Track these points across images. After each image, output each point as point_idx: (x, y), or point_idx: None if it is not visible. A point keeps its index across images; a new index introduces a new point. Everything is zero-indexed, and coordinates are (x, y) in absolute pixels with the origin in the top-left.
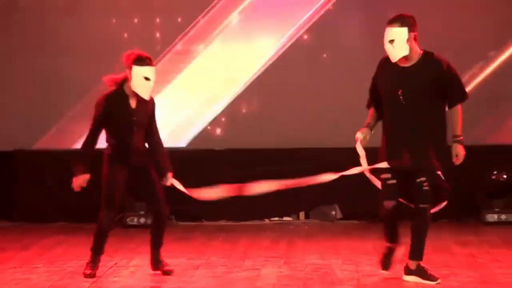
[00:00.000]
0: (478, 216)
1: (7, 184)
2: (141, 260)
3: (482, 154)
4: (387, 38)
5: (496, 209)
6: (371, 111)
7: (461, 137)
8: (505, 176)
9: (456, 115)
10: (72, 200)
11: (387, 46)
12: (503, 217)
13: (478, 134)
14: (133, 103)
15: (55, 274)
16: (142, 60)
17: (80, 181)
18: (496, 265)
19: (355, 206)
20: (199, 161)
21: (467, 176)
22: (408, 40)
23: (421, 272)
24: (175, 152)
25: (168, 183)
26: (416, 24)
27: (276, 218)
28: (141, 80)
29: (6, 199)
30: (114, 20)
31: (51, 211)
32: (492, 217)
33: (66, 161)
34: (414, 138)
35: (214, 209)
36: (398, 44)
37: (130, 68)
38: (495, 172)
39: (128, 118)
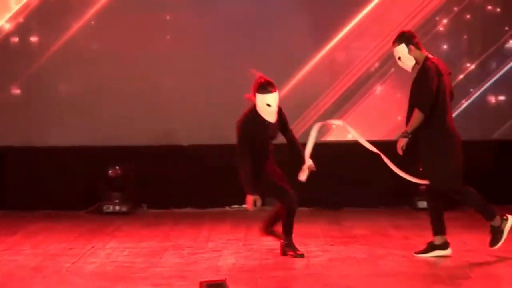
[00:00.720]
0: (410, 203)
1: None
2: (116, 243)
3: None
4: (395, 57)
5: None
6: None
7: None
8: None
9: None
10: (54, 191)
11: (399, 63)
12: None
13: None
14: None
15: (39, 256)
16: (264, 88)
17: (251, 200)
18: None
19: (305, 195)
20: None
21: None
22: (409, 52)
23: (444, 245)
24: None
25: (310, 168)
26: (413, 35)
27: (236, 206)
28: (263, 107)
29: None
30: None
31: (36, 201)
32: (422, 204)
33: (49, 156)
34: None
35: (181, 197)
36: (404, 59)
37: (255, 95)
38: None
39: (265, 134)
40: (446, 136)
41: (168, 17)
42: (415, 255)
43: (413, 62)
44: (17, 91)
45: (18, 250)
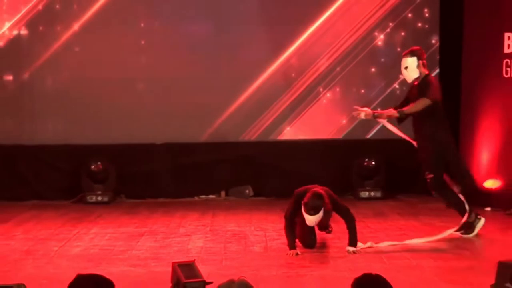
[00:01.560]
0: (354, 193)
1: None
2: (99, 229)
3: (357, 146)
4: (402, 66)
5: (368, 188)
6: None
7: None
8: (373, 163)
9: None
10: (42, 184)
11: (403, 71)
12: (372, 193)
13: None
14: None
15: (30, 241)
16: (306, 208)
17: (291, 252)
18: (367, 230)
19: (263, 186)
20: None
21: (345, 162)
22: (417, 66)
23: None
24: None
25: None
26: (424, 53)
27: (203, 196)
28: (305, 218)
29: None
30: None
31: (26, 193)
32: (364, 194)
33: (38, 153)
34: None
35: (156, 188)
36: (410, 70)
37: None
38: (366, 160)
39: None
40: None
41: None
42: (464, 236)
43: (417, 75)
44: (6, 96)
45: (11, 235)
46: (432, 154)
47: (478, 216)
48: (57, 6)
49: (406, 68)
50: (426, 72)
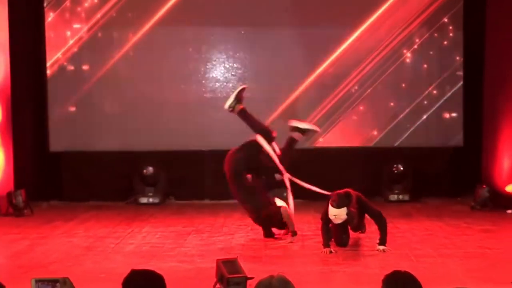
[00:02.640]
0: (383, 196)
1: (57, 175)
2: (150, 228)
3: (387, 152)
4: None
5: (396, 191)
6: None
7: None
8: (401, 168)
9: None
10: (100, 186)
11: (331, 217)
12: (401, 197)
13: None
14: None
15: (90, 238)
16: (332, 201)
17: (325, 250)
18: (396, 230)
19: (299, 189)
20: None
21: (375, 168)
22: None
23: None
24: None
25: None
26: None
27: None
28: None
29: (56, 185)
30: None
31: (86, 194)
32: (393, 197)
33: (97, 159)
34: None
35: (202, 191)
36: (340, 216)
37: None
38: (395, 165)
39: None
40: None
41: (190, 49)
42: None
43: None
44: (72, 108)
45: (73, 233)
46: None
47: None
48: (114, 15)
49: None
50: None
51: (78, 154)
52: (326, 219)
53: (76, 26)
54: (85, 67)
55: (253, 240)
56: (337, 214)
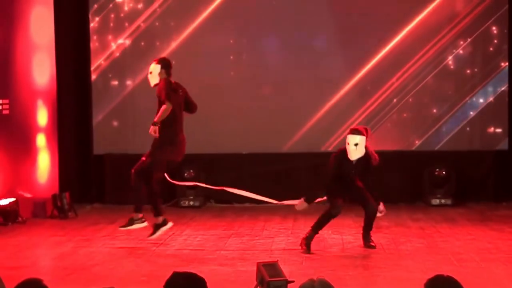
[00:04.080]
0: (425, 200)
1: (101, 178)
2: (191, 231)
3: (428, 156)
4: (352, 142)
5: (438, 195)
6: None
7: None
8: (444, 172)
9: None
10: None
11: (351, 148)
12: (443, 201)
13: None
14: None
15: (132, 240)
16: (353, 130)
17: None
18: (438, 235)
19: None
20: None
21: (417, 171)
22: (159, 73)
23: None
24: None
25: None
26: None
27: (286, 202)
28: (350, 147)
29: (99, 188)
30: None
31: (128, 197)
32: (435, 201)
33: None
34: None
35: (241, 195)
36: (360, 147)
37: None
38: (437, 169)
39: (349, 172)
40: None
41: (231, 57)
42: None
43: (156, 80)
44: (115, 112)
45: (116, 236)
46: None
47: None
48: (157, 23)
49: (356, 144)
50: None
51: (121, 157)
52: (336, 172)
53: (119, 31)
54: (127, 71)
55: (294, 243)
56: (359, 143)
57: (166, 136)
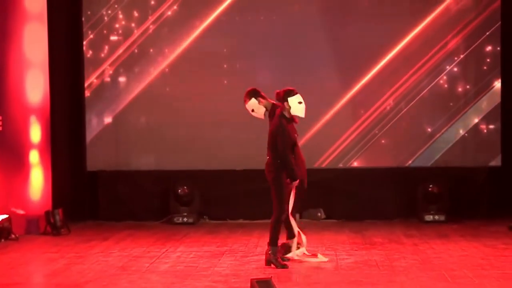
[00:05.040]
0: (419, 216)
1: (93, 195)
2: (185, 248)
3: (422, 173)
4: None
5: (432, 212)
6: None
7: None
8: (437, 188)
9: None
10: (135, 205)
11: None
12: (437, 217)
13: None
14: None
15: (125, 257)
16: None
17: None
18: (431, 251)
19: (334, 209)
20: None
21: (410, 188)
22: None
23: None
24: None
25: None
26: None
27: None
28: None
29: (93, 204)
30: None
31: (121, 213)
32: (429, 217)
33: (132, 178)
34: None
35: (235, 211)
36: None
37: (286, 101)
38: (430, 185)
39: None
40: None
41: (225, 66)
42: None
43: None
44: (108, 128)
45: (109, 252)
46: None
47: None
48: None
49: (252, 110)
50: (271, 102)
51: (114, 174)
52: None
53: (113, 47)
54: (121, 88)
55: (287, 259)
56: (302, 101)
57: None
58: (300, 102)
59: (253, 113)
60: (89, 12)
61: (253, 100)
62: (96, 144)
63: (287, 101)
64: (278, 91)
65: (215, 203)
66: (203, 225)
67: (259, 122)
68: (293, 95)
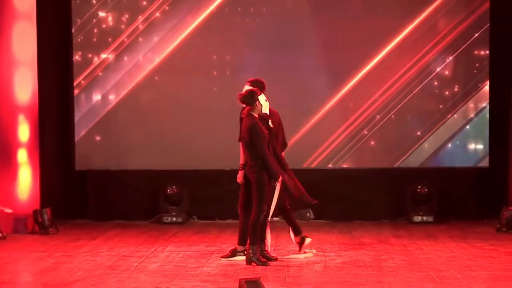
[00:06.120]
0: (407, 217)
1: (82, 194)
2: (173, 247)
3: (410, 174)
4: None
5: (420, 213)
6: None
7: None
8: (426, 189)
9: None
10: (124, 205)
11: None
12: (425, 218)
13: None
14: None
15: (114, 257)
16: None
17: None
18: (420, 252)
19: (323, 210)
20: None
21: (399, 188)
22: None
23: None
24: None
25: None
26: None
27: (268, 218)
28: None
29: (81, 204)
30: None
31: (110, 213)
32: (417, 218)
33: (121, 177)
34: None
35: (224, 210)
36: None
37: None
38: (419, 186)
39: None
40: None
41: (215, 73)
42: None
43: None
44: (97, 128)
45: (97, 252)
46: None
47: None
48: (140, 39)
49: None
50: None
51: (103, 173)
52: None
53: (102, 47)
54: (110, 87)
55: (276, 259)
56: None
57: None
58: (266, 100)
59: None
60: (79, 11)
61: (262, 96)
62: (85, 143)
63: (258, 100)
64: (240, 93)
65: (204, 203)
66: (192, 224)
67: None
68: (259, 94)
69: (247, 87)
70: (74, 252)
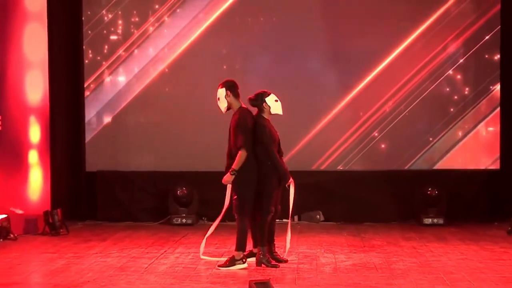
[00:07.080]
0: (417, 219)
1: (93, 195)
2: (183, 249)
3: (421, 176)
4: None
5: (431, 215)
6: None
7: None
8: (436, 192)
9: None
10: (134, 206)
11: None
12: (435, 220)
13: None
14: None
15: (124, 258)
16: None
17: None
18: (430, 254)
19: (333, 212)
20: None
21: (409, 190)
22: (226, 96)
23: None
24: None
25: None
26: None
27: (278, 220)
28: (275, 104)
29: (92, 205)
30: None
31: (121, 214)
32: (427, 220)
33: (131, 179)
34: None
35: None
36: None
37: (264, 101)
38: (429, 189)
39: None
40: None
41: (225, 67)
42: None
43: (225, 104)
44: (108, 129)
45: (107, 253)
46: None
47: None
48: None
49: (218, 99)
50: (240, 103)
51: (113, 174)
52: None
53: (113, 48)
54: (121, 88)
55: (287, 262)
56: (278, 99)
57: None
58: (276, 100)
59: (218, 102)
60: (89, 12)
61: (223, 90)
62: (95, 144)
63: (265, 101)
64: (250, 96)
65: (214, 204)
66: (201, 226)
67: None
68: (268, 95)
69: (219, 90)
70: (85, 253)
